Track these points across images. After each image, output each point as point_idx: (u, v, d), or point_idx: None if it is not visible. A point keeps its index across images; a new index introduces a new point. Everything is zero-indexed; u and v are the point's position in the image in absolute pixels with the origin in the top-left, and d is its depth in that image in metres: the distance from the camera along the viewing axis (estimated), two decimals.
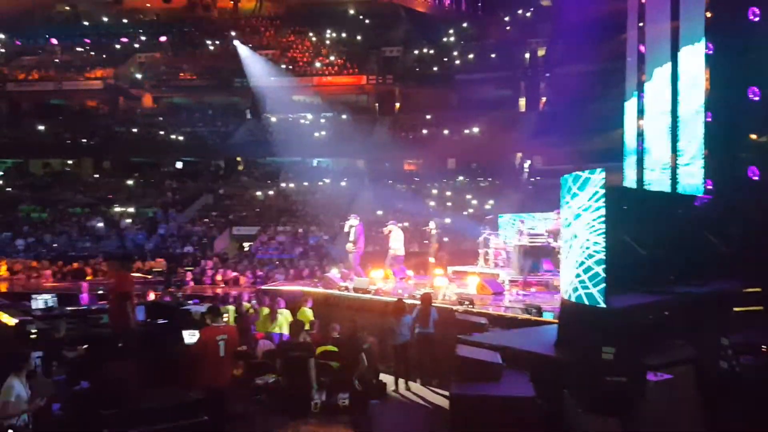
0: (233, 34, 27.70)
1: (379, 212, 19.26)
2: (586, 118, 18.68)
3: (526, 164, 23.32)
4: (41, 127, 25.71)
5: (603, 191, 4.80)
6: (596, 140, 17.08)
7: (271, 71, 26.29)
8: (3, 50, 27.86)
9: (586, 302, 4.93)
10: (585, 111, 19.47)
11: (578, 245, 5.07)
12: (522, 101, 26.85)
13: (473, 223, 15.55)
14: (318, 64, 26.94)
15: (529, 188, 21.14)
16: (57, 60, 27.29)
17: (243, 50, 26.41)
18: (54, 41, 27.90)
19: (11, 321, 6.38)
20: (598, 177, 4.86)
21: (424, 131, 25.22)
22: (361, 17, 29.82)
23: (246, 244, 20.08)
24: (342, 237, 20.17)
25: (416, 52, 28.03)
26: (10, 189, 23.57)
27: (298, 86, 26.26)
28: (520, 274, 9.66)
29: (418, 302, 7.88)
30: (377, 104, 27.39)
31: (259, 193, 23.04)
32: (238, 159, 26.34)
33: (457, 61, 26.53)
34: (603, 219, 4.75)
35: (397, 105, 27.33)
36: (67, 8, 29.32)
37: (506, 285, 9.47)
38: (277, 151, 23.96)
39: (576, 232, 5.11)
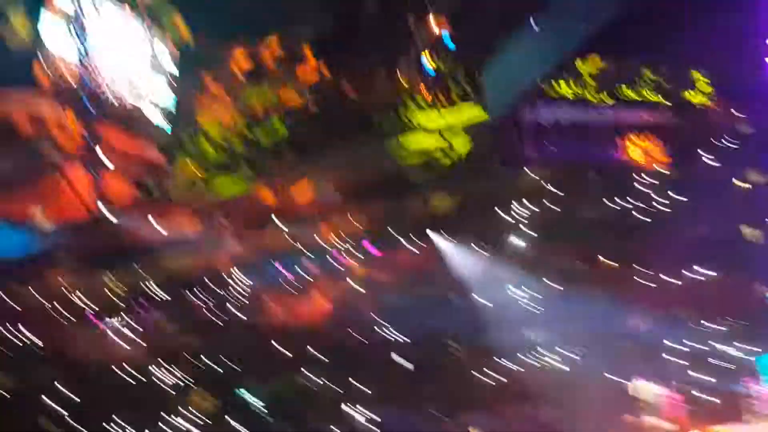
0: (430, 229, 29.49)
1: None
2: None
3: None
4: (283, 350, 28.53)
5: None
6: None
7: (472, 256, 27.36)
8: (240, 288, 32.27)
9: None
10: None
11: None
12: (753, 233, 24.31)
13: (727, 372, 13.47)
14: (516, 239, 27.39)
15: None
16: (287, 287, 30.97)
17: (441, 241, 28.04)
18: (282, 271, 31.94)
19: None
20: None
21: (647, 283, 23.77)
22: (550, 187, 30.22)
23: None
24: (584, 412, 18.81)
25: (618, 205, 27.23)
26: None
27: (501, 264, 26.76)
28: None
29: None
30: (588, 266, 26.38)
31: (483, 377, 22.58)
32: (456, 346, 26.32)
33: (667, 206, 25.35)
34: None
35: (610, 262, 26.14)
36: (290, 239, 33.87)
37: None
38: (493, 331, 24.29)
39: None
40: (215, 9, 20.85)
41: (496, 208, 29.12)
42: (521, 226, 28.61)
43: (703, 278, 23.25)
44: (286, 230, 31.79)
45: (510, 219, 28.86)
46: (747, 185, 25.53)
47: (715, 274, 23.03)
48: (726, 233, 24.38)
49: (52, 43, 17.65)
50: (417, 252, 29.54)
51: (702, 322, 22.28)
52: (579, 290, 24.77)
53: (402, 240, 30.74)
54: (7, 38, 17.12)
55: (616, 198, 27.44)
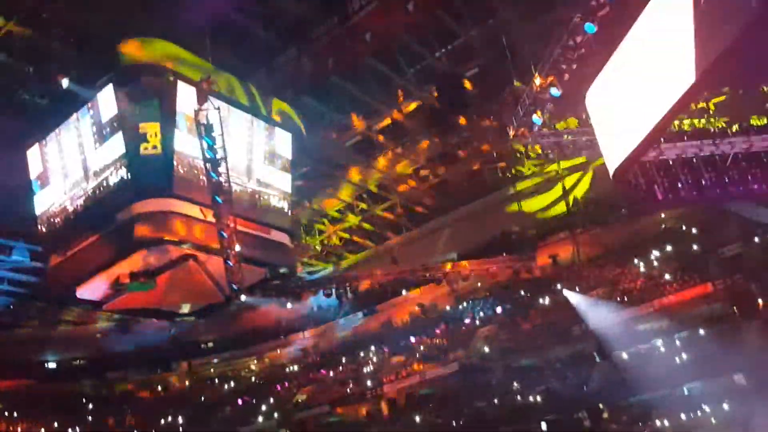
0: (559, 286, 28.35)
1: None
2: None
3: None
4: (417, 418, 28.18)
5: None
6: None
7: (608, 309, 25.79)
8: (377, 358, 32.40)
9: None
10: None
11: None
12: None
13: None
14: (654, 287, 25.65)
15: None
16: (417, 354, 30.81)
17: (573, 297, 26.77)
18: (413, 339, 31.82)
19: None
20: None
21: None
22: (685, 228, 28.38)
23: None
24: None
25: (761, 240, 25.01)
26: None
27: (640, 315, 24.97)
28: None
29: None
30: (735, 308, 24.19)
31: None
32: (601, 406, 24.82)
33: None
34: None
35: (760, 302, 23.76)
36: (418, 309, 33.83)
37: None
38: (639, 388, 22.45)
39: None
40: (328, 99, 22.13)
41: (630, 256, 27.57)
42: (659, 272, 26.79)
43: None
44: (410, 297, 31.99)
45: (647, 266, 27.11)
46: None
47: None
48: None
49: (182, 147, 19.25)
50: (548, 309, 28.49)
51: None
52: (730, 335, 22.54)
53: (530, 297, 29.79)
54: (141, 146, 18.81)
55: (762, 230, 25.00)
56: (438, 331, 31.43)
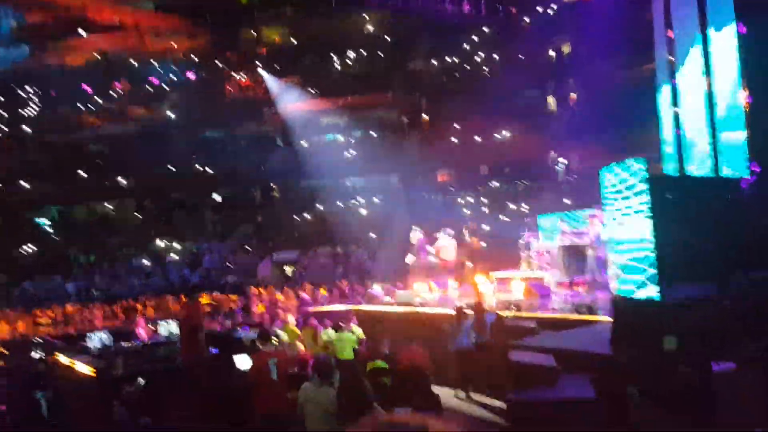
0: (259, 65, 28.14)
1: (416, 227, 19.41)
2: (620, 111, 18.33)
3: (562, 163, 23.11)
4: (81, 172, 26.64)
5: (646, 181, 4.71)
6: (632, 133, 16.73)
7: (299, 97, 26.75)
8: (41, 104, 28.72)
9: (641, 296, 4.82)
10: (617, 104, 19.10)
11: (626, 239, 4.97)
12: (551, 101, 26.64)
13: (513, 226, 15.53)
14: (344, 85, 27.24)
15: (566, 187, 20.86)
16: (93, 107, 28.11)
17: (270, 80, 26.92)
18: (88, 89, 28.66)
19: (91, 371, 6.50)
20: (640, 167, 4.78)
21: (455, 140, 25.24)
22: (382, 35, 30.05)
23: (288, 269, 20.41)
24: (383, 252, 20.60)
25: (440, 62, 28.16)
26: (56, 237, 24.40)
27: (326, 109, 26.47)
28: (566, 275, 9.51)
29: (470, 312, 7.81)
30: (405, 119, 27.51)
31: (296, 217, 23.41)
32: (273, 186, 26.75)
33: (483, 67, 26.61)
34: (649, 209, 4.65)
35: (426, 117, 27.39)
36: (98, 57, 30.20)
37: (553, 287, 9.34)
38: (310, 174, 24.30)
39: (622, 225, 5.02)
40: None
41: (328, 51, 28.32)
42: (351, 72, 28.38)
43: (504, 140, 25.06)
44: (91, 40, 28.16)
45: (341, 63, 28.36)
46: (553, 54, 27.06)
47: (516, 136, 24.71)
48: (531, 100, 26.14)
49: None
50: (243, 86, 28.15)
51: (498, 179, 24.53)
52: (395, 141, 25.71)
53: (228, 70, 28.91)
54: None
55: (443, 54, 28.00)
56: (119, 86, 28.86)
